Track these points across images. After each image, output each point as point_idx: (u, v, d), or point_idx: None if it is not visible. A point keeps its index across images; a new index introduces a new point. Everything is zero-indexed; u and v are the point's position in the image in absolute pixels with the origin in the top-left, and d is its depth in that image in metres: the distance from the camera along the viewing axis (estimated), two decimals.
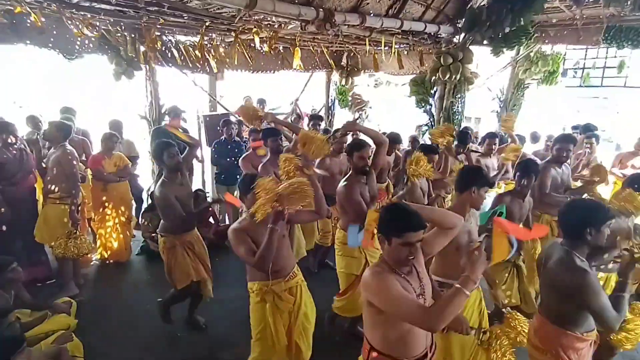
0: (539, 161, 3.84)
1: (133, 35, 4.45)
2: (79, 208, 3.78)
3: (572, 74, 6.95)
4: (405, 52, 6.10)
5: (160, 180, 3.01)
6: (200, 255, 3.18)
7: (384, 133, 5.08)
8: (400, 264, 1.64)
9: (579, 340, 1.97)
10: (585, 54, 6.20)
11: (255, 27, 4.15)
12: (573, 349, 1.98)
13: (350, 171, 3.04)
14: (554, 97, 11.97)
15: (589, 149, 5.09)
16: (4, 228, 3.71)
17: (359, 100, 7.31)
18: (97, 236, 4.55)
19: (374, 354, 1.71)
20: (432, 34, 4.94)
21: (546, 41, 5.12)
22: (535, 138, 6.07)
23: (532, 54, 5.50)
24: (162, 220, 3.10)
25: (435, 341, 1.83)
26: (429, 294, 1.75)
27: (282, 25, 4.28)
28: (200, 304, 3.40)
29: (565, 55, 5.78)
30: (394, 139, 4.48)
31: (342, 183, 3.02)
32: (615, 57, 5.82)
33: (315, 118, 5.13)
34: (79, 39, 4.09)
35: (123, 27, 4.35)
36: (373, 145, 3.19)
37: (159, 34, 4.51)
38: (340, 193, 3.00)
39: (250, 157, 4.20)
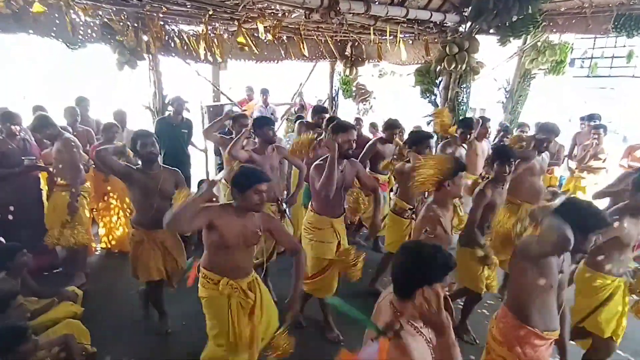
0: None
1: (136, 25, 4.42)
2: (78, 198, 3.77)
3: (579, 63, 6.85)
4: (410, 42, 6.02)
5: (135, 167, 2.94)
6: (172, 251, 3.08)
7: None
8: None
9: (538, 338, 1.95)
10: (594, 44, 6.10)
11: (258, 15, 4.11)
12: (530, 345, 1.95)
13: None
14: (562, 87, 11.83)
15: (596, 140, 5.06)
16: (10, 217, 3.75)
17: (362, 91, 7.25)
18: (101, 225, 4.59)
19: None
20: (438, 22, 4.85)
21: (554, 30, 5.01)
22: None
23: (539, 44, 5.41)
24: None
25: None
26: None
27: (286, 13, 4.23)
28: None
29: (573, 44, 5.68)
30: (393, 125, 4.38)
31: (316, 162, 2.92)
32: (624, 46, 5.72)
33: (318, 111, 4.82)
34: (81, 28, 4.08)
35: (126, 16, 4.32)
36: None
37: (161, 23, 4.47)
38: (310, 173, 2.92)
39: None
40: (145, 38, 4.45)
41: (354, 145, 2.86)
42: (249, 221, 2.26)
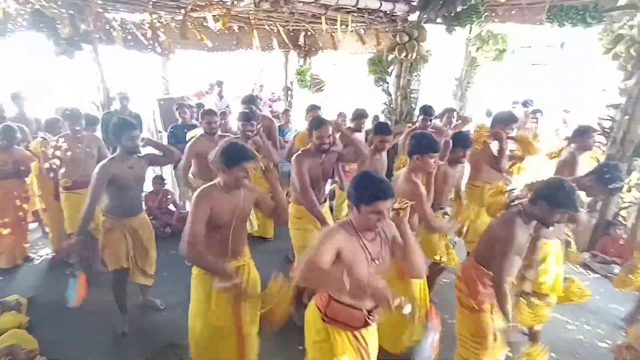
0: None
1: (72, 12, 4.13)
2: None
3: (521, 51, 7.28)
4: (362, 31, 6.09)
5: (110, 157, 2.85)
6: (143, 242, 3.04)
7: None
8: (367, 230, 1.74)
9: (490, 278, 2.17)
10: (533, 33, 6.49)
11: (206, 4, 3.98)
12: (483, 284, 2.21)
13: (310, 145, 2.96)
14: (508, 73, 12.45)
15: (535, 124, 5.44)
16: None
17: (317, 81, 7.27)
18: (50, 230, 4.29)
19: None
20: (388, 12, 4.95)
21: (495, 20, 5.28)
22: (489, 114, 6.37)
23: (483, 33, 5.67)
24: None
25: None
26: (386, 258, 1.84)
27: (235, 1, 4.13)
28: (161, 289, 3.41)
29: (513, 34, 5.99)
30: (361, 114, 4.48)
31: (296, 153, 2.96)
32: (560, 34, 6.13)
33: (245, 102, 4.54)
34: (12, 14, 3.78)
35: (60, 3, 4.03)
36: None
37: (100, 10, 4.22)
38: (291, 164, 2.98)
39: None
40: (83, 26, 4.18)
41: (330, 140, 2.88)
42: (236, 197, 2.24)
